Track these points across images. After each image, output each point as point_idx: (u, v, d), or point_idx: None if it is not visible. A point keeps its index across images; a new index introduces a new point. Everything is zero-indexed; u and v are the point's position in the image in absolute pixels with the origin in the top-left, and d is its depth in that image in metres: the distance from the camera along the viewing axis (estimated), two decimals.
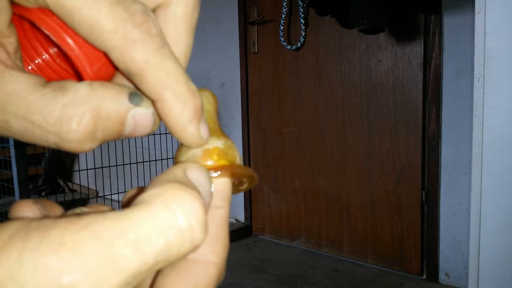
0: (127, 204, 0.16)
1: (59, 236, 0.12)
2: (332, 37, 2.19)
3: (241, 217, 2.72)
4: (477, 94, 0.99)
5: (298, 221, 2.42)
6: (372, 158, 2.08)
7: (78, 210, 0.17)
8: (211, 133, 0.19)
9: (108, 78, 0.18)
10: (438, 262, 1.93)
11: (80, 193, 3.49)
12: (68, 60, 0.18)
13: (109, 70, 0.17)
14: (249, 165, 2.63)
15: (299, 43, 2.23)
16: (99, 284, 0.12)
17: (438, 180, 1.89)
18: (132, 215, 0.13)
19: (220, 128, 0.20)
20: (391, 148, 2.01)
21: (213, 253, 0.17)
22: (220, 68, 2.73)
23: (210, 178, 0.17)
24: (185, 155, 0.19)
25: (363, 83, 2.09)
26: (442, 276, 1.93)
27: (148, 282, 0.18)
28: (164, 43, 0.16)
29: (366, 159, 2.11)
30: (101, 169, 2.78)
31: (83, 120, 0.15)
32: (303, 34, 2.21)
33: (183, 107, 0.17)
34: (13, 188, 2.38)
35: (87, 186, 3.29)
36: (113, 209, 0.16)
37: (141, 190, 0.17)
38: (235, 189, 0.20)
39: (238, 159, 0.20)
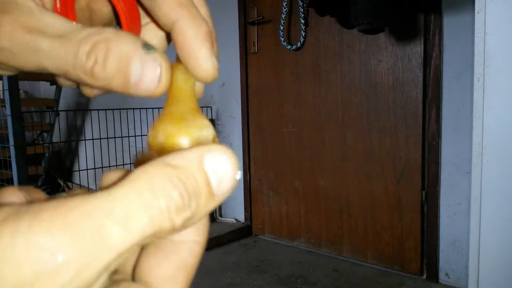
0: (117, 180, 0.16)
1: (49, 217, 0.12)
2: (332, 37, 2.19)
3: (241, 217, 2.72)
4: (477, 94, 0.99)
5: (298, 221, 2.42)
6: (372, 158, 2.08)
7: (64, 195, 0.18)
8: (194, 113, 0.19)
9: (138, 32, 0.21)
10: (438, 262, 1.93)
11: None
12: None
13: (138, 20, 0.20)
14: (249, 165, 2.63)
15: (299, 43, 2.23)
16: (90, 261, 0.12)
17: (438, 180, 1.89)
18: (119, 193, 0.14)
19: (198, 108, 0.20)
20: (391, 148, 2.01)
21: (196, 233, 0.18)
22: (220, 68, 2.68)
23: (236, 163, 0.16)
24: (160, 135, 0.18)
25: (363, 83, 2.09)
26: (442, 276, 1.93)
27: (130, 263, 0.19)
28: None
29: (366, 159, 2.11)
30: (101, 169, 2.78)
31: (97, 45, 0.16)
32: (303, 34, 2.21)
33: (197, 28, 0.19)
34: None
35: (87, 186, 3.29)
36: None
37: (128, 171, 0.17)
38: None
39: (214, 137, 0.20)
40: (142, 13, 0.22)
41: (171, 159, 0.15)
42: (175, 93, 0.19)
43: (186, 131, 0.18)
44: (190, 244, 0.18)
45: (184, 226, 0.15)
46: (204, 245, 0.18)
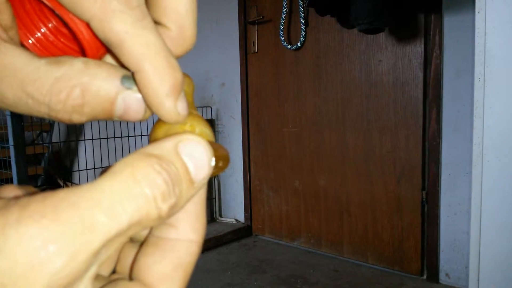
0: (102, 172, 0.17)
1: (39, 209, 0.13)
2: (332, 37, 2.18)
3: (241, 217, 2.72)
4: (477, 94, 0.99)
5: (298, 221, 2.42)
6: (372, 158, 2.08)
7: None
8: (193, 113, 0.19)
9: (103, 51, 0.18)
10: (438, 262, 1.93)
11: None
12: (68, 35, 0.19)
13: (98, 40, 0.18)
14: (249, 165, 2.63)
15: (299, 43, 2.22)
16: (80, 248, 0.13)
17: (438, 180, 1.89)
18: (105, 185, 0.14)
19: (197, 113, 0.20)
20: (391, 148, 2.01)
21: (194, 232, 0.18)
22: (220, 68, 2.73)
23: (210, 150, 0.17)
24: (159, 134, 0.19)
25: (363, 83, 2.09)
26: (442, 276, 1.93)
27: (128, 262, 0.19)
28: (144, 15, 0.16)
29: (366, 159, 2.10)
30: (101, 169, 2.78)
31: (72, 93, 0.15)
32: (303, 34, 2.21)
33: (161, 80, 0.16)
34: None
35: None
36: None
37: None
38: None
39: (212, 139, 0.20)
40: None
41: (150, 149, 0.16)
42: None
43: (188, 128, 0.19)
44: (187, 243, 0.18)
45: (170, 213, 0.15)
46: (201, 244, 0.18)
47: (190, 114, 0.20)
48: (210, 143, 0.19)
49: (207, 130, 0.20)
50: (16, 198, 0.13)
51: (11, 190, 0.17)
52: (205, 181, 0.17)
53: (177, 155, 0.16)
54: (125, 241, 0.15)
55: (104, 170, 0.17)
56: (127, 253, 0.19)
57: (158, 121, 0.19)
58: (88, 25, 0.16)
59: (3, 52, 0.15)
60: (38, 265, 0.12)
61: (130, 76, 0.16)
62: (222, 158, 0.20)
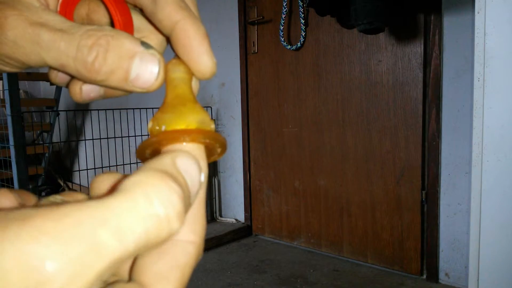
0: (110, 190, 0.17)
1: (39, 224, 0.12)
2: (332, 37, 2.19)
3: (241, 217, 2.72)
4: (477, 94, 0.99)
5: (298, 221, 2.42)
6: (372, 158, 2.08)
7: (52, 198, 0.18)
8: (189, 106, 0.20)
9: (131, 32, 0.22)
10: (438, 262, 1.93)
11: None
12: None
13: (130, 20, 0.22)
14: (249, 165, 2.63)
15: (299, 43, 2.23)
16: (82, 271, 0.12)
17: (438, 180, 1.89)
18: (113, 204, 0.13)
19: (195, 100, 0.21)
20: (391, 148, 2.01)
21: (192, 233, 0.18)
22: (220, 68, 2.73)
23: (200, 167, 0.17)
24: (158, 122, 0.19)
25: (363, 83, 2.09)
26: (442, 276, 1.93)
27: (127, 265, 0.19)
28: None
29: (366, 159, 2.11)
30: (101, 169, 2.78)
31: (99, 39, 0.17)
32: (303, 34, 2.21)
33: (198, 28, 0.20)
34: (13, 188, 2.38)
35: (87, 186, 3.28)
36: (89, 197, 0.17)
37: (124, 176, 0.17)
38: (208, 158, 0.20)
39: (210, 128, 0.20)
40: (139, 25, 0.24)
41: (155, 165, 0.15)
42: (174, 85, 0.20)
43: (184, 118, 0.19)
44: (185, 244, 0.18)
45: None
46: (200, 246, 0.18)
47: (189, 101, 0.20)
48: (209, 132, 0.19)
49: (206, 118, 0.20)
50: (18, 208, 0.13)
51: (4, 195, 0.17)
52: (196, 198, 0.17)
53: (179, 173, 0.16)
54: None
55: (112, 187, 0.17)
56: None
57: (157, 112, 0.20)
58: (123, 5, 0.21)
59: (43, 11, 0.18)
60: (34, 286, 0.11)
61: (148, 43, 0.18)
62: (221, 145, 0.20)
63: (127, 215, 0.13)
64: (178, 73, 0.20)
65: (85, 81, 0.19)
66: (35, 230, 0.12)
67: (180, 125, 0.19)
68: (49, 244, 0.12)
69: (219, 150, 0.21)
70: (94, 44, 0.17)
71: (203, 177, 0.17)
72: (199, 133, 0.19)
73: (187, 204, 0.15)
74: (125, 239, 0.13)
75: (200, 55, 0.20)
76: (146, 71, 0.18)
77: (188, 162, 0.17)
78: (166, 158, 0.16)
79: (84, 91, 0.21)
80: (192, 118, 0.19)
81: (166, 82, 0.20)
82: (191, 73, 0.21)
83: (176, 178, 0.15)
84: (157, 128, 0.19)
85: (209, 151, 0.20)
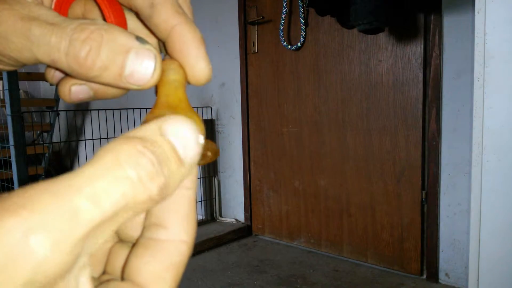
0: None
1: (18, 200, 0.12)
2: (332, 37, 2.19)
3: (241, 217, 2.72)
4: (477, 94, 0.99)
5: (298, 221, 2.42)
6: (372, 158, 2.08)
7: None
8: (182, 107, 0.20)
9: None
10: (438, 262, 1.93)
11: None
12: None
13: (124, 22, 0.22)
14: (249, 165, 2.63)
15: (299, 43, 2.23)
16: (63, 238, 0.12)
17: (438, 180, 1.89)
18: (86, 171, 0.14)
19: (188, 104, 0.20)
20: (391, 148, 2.01)
21: (184, 232, 0.18)
22: (220, 68, 2.73)
23: (195, 129, 0.17)
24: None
25: (363, 83, 2.09)
26: (442, 276, 1.93)
27: (119, 263, 0.19)
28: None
29: (366, 159, 2.11)
30: None
31: (93, 33, 0.17)
32: (303, 34, 2.21)
33: (194, 32, 0.20)
34: (13, 188, 2.38)
35: None
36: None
37: None
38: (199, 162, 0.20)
39: (202, 132, 0.20)
40: (134, 27, 0.23)
41: (133, 132, 0.16)
42: (168, 86, 0.20)
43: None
44: (177, 243, 0.18)
45: (162, 195, 0.15)
46: (191, 244, 0.18)
47: (183, 104, 0.20)
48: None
49: (199, 122, 0.19)
50: None
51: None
52: (196, 159, 0.17)
53: (162, 135, 0.16)
54: (115, 230, 0.15)
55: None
56: (117, 254, 0.19)
57: (149, 112, 0.19)
58: (116, 5, 0.21)
59: (35, 6, 0.18)
60: (19, 258, 0.12)
61: (143, 38, 0.18)
62: (210, 149, 0.20)
63: (100, 179, 0.14)
64: (172, 73, 0.20)
65: (78, 77, 0.18)
66: (13, 205, 0.12)
67: None
68: (28, 216, 0.12)
69: (209, 154, 0.21)
70: (87, 38, 0.17)
71: (202, 139, 0.17)
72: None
73: (175, 169, 0.15)
74: (101, 203, 0.13)
75: (197, 60, 0.20)
76: (141, 66, 0.17)
77: (178, 124, 0.16)
78: (152, 124, 0.16)
79: (73, 92, 0.20)
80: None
81: (159, 83, 0.20)
82: (185, 76, 0.20)
83: (153, 141, 0.15)
84: None
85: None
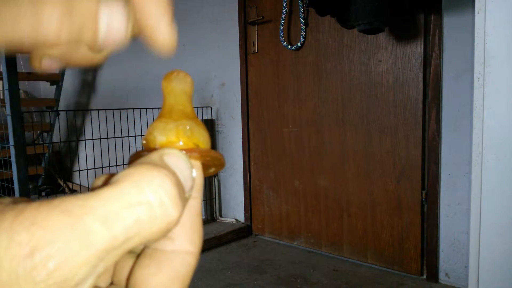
0: (103, 184, 0.17)
1: (31, 216, 0.12)
2: (332, 37, 2.19)
3: (241, 217, 2.72)
4: (477, 94, 0.99)
5: (298, 221, 2.42)
6: (372, 158, 2.08)
7: None
8: (188, 116, 0.20)
9: None
10: (438, 262, 1.93)
11: (80, 193, 3.50)
12: None
13: None
14: (249, 165, 2.63)
15: (299, 43, 2.23)
16: (70, 258, 0.12)
17: (438, 180, 1.89)
18: (101, 194, 0.13)
19: (194, 113, 0.20)
20: (391, 148, 2.01)
21: (190, 243, 0.18)
22: (220, 68, 2.73)
23: (190, 163, 0.17)
24: (155, 133, 0.19)
25: (363, 83, 2.09)
26: (442, 276, 1.93)
27: (124, 274, 0.19)
28: None
29: (366, 159, 2.11)
30: (101, 169, 2.78)
31: (56, 10, 0.15)
32: (303, 34, 2.21)
33: (158, 1, 0.17)
34: (13, 188, 2.38)
35: (87, 186, 3.29)
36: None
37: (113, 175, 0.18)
38: (204, 173, 0.20)
39: (207, 143, 0.20)
40: None
41: (146, 160, 0.16)
42: (173, 94, 0.20)
43: (171, 130, 0.19)
44: (183, 254, 0.17)
45: (178, 222, 0.15)
46: (198, 255, 0.18)
47: (190, 114, 0.20)
48: (202, 150, 0.19)
49: (202, 136, 0.20)
50: (14, 203, 0.13)
51: None
52: (190, 192, 0.17)
53: (168, 165, 0.16)
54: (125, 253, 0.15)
55: (104, 182, 0.17)
56: (124, 264, 0.19)
57: (152, 123, 0.20)
58: None
59: None
60: (23, 274, 0.12)
61: None
62: (215, 161, 0.20)
63: (114, 203, 0.13)
64: (179, 83, 0.20)
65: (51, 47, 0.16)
66: (27, 220, 0.12)
67: (177, 138, 0.19)
68: (38, 233, 0.12)
69: (212, 169, 0.21)
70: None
71: (195, 172, 0.17)
72: (197, 152, 0.19)
73: (182, 197, 0.15)
74: (113, 227, 0.13)
75: (158, 32, 0.17)
76: (113, 26, 0.16)
77: (176, 157, 0.16)
78: (154, 155, 0.16)
79: (44, 64, 0.18)
80: (180, 132, 0.19)
81: (167, 91, 0.20)
82: (192, 85, 0.21)
83: (166, 168, 0.15)
84: (148, 139, 0.19)
85: (204, 166, 0.20)
